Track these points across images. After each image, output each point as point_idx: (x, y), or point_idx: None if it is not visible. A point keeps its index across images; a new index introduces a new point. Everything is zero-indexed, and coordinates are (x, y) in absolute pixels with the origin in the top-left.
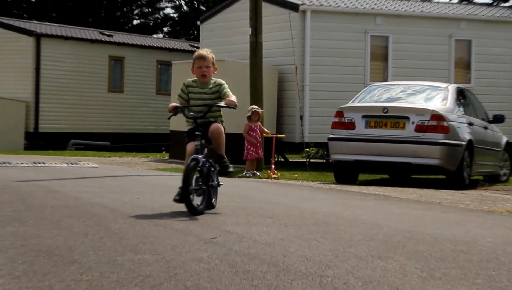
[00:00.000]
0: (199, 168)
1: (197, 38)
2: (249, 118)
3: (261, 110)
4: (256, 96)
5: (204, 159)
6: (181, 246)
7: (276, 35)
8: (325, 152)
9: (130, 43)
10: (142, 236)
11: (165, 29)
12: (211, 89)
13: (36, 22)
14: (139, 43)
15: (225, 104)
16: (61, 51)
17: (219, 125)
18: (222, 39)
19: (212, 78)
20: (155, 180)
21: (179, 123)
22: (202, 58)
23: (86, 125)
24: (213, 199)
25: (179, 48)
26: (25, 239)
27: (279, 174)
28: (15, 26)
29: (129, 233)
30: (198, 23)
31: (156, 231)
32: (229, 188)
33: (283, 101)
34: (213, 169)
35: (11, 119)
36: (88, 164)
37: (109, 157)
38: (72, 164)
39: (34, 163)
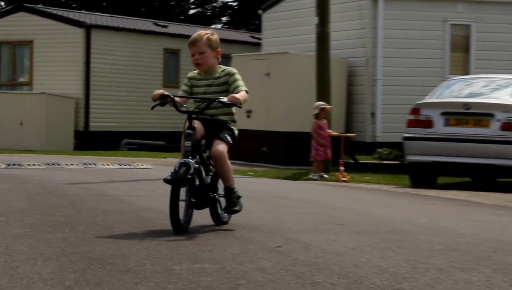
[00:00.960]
0: (189, 176)
1: (258, 29)
2: (317, 115)
3: (329, 106)
4: (323, 92)
5: (196, 166)
6: (243, 255)
7: (345, 24)
8: (400, 153)
9: (186, 34)
10: (201, 244)
11: (224, 19)
12: (217, 80)
13: (86, 12)
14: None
15: (228, 100)
16: (112, 43)
17: (220, 149)
18: (285, 30)
19: (220, 66)
20: None
21: (239, 120)
22: (192, 43)
23: (139, 123)
24: (223, 214)
25: (239, 39)
26: (76, 246)
27: (348, 176)
28: (64, 17)
29: (186, 241)
30: (260, 12)
31: (215, 238)
32: (294, 192)
33: (352, 97)
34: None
35: (60, 117)
36: (142, 165)
37: (164, 158)
38: (124, 165)
39: (85, 164)
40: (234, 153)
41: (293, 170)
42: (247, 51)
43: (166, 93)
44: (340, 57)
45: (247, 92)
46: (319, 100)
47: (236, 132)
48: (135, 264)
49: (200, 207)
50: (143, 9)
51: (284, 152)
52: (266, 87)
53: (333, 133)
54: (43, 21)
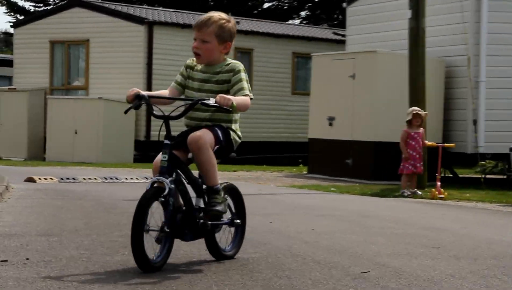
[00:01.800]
0: (162, 198)
1: (342, 24)
2: (409, 122)
3: (424, 112)
4: (416, 96)
5: (172, 186)
6: (325, 281)
7: (443, 18)
8: (506, 166)
9: (260, 31)
10: (277, 269)
11: (303, 13)
12: (217, 75)
13: (147, 7)
14: (270, 31)
15: (216, 102)
16: (177, 42)
17: (199, 134)
18: (373, 25)
19: (227, 58)
20: (291, 200)
21: (320, 129)
22: (198, 26)
23: None
24: (229, 248)
25: (320, 36)
26: (137, 270)
27: (446, 193)
28: (123, 12)
29: (260, 265)
30: (344, 5)
31: (293, 262)
32: (383, 211)
33: (451, 101)
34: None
35: (118, 125)
36: None
37: (234, 171)
38: None
39: (146, 178)
40: (315, 166)
41: (381, 186)
42: (329, 50)
43: (142, 92)
44: (437, 56)
45: (251, 99)
46: (412, 105)
47: (235, 137)
48: None
49: (187, 238)
50: (212, 3)
51: (372, 164)
52: (350, 91)
53: (429, 143)
54: (101, 17)
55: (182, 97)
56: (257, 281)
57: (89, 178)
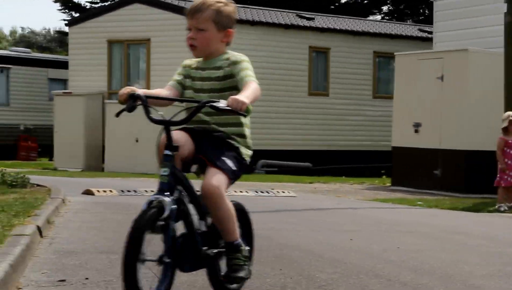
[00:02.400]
0: (162, 222)
1: (429, 20)
2: (505, 129)
3: None
4: None
5: (174, 207)
6: None
7: None
8: None
9: (337, 28)
10: None
11: (385, 8)
12: (217, 71)
13: None
14: (349, 28)
15: (227, 105)
16: (246, 41)
17: (215, 184)
18: (463, 20)
19: (227, 50)
20: (373, 215)
21: (405, 136)
22: (191, 13)
23: (278, 140)
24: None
25: (403, 34)
26: None
27: None
28: (180, 7)
29: (340, 287)
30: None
31: (377, 283)
32: (476, 227)
33: None
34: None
35: None
36: (283, 192)
37: (310, 183)
38: (262, 192)
39: None
40: (399, 177)
41: (474, 199)
42: (414, 49)
43: (137, 92)
44: None
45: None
46: (508, 109)
47: (247, 155)
48: None
49: (187, 268)
50: None
51: (463, 176)
52: (438, 94)
53: None
54: (163, 14)
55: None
56: None
57: (152, 191)
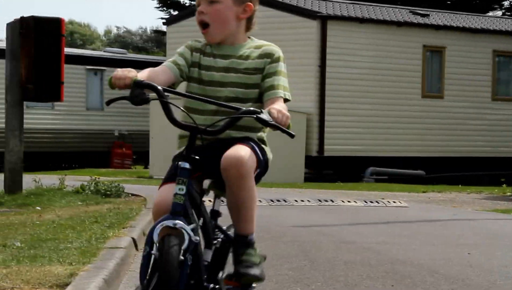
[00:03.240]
0: (182, 257)
1: None
2: None
3: None
4: None
5: (197, 238)
6: None
7: None
8: None
9: (454, 25)
10: None
11: (506, 3)
12: (246, 60)
13: None
14: (466, 26)
15: (272, 119)
16: (355, 39)
17: (244, 153)
18: None
19: (251, 37)
20: (493, 227)
21: None
22: None
23: (389, 146)
24: None
25: None
26: None
27: None
28: (291, 5)
29: None
30: None
31: None
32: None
33: None
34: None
35: (287, 138)
36: (394, 202)
37: (424, 192)
38: (371, 202)
39: (319, 200)
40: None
41: None
42: None
43: (146, 81)
44: None
45: (285, 101)
46: None
47: (269, 153)
48: None
49: None
50: None
51: None
52: None
53: None
54: (266, 11)
55: (186, 92)
56: None
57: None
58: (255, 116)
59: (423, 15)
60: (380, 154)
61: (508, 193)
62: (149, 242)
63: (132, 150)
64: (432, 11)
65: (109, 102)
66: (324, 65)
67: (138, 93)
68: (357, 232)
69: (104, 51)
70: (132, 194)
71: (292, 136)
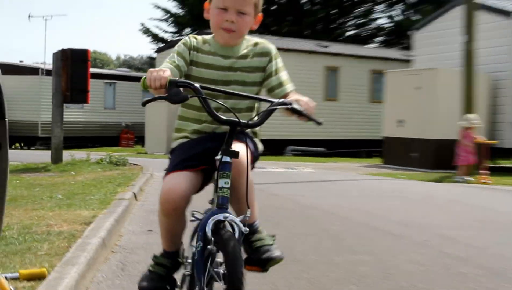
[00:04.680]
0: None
1: (409, 47)
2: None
3: (473, 124)
4: (468, 104)
5: (246, 229)
6: (395, 248)
7: (490, 42)
8: None
9: (345, 53)
10: (359, 238)
11: (379, 39)
12: (245, 59)
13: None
14: (353, 53)
15: (304, 112)
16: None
17: (240, 148)
18: (435, 47)
19: (246, 36)
20: (369, 185)
21: (394, 129)
22: None
23: (303, 132)
24: None
25: (392, 57)
26: None
27: (491, 179)
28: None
29: (346, 235)
30: (410, 32)
31: (372, 233)
32: (440, 193)
33: (496, 108)
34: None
35: None
36: (305, 169)
37: (324, 162)
38: (290, 169)
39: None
40: (387, 158)
41: (440, 174)
42: (398, 68)
43: (181, 79)
44: (485, 72)
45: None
46: (464, 111)
47: (261, 147)
48: (301, 254)
49: None
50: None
51: (434, 157)
52: (417, 99)
53: (479, 140)
54: None
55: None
56: (343, 247)
57: None
58: (290, 106)
59: (325, 46)
60: (296, 137)
61: (378, 163)
62: (202, 237)
63: (134, 135)
64: (331, 43)
65: (145, 103)
66: None
67: (176, 92)
68: (281, 188)
69: (116, 70)
70: (134, 164)
71: (320, 123)
